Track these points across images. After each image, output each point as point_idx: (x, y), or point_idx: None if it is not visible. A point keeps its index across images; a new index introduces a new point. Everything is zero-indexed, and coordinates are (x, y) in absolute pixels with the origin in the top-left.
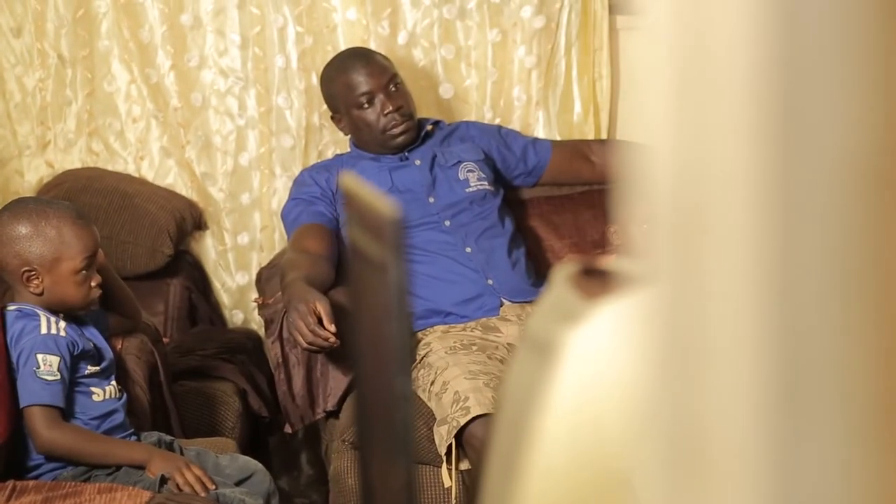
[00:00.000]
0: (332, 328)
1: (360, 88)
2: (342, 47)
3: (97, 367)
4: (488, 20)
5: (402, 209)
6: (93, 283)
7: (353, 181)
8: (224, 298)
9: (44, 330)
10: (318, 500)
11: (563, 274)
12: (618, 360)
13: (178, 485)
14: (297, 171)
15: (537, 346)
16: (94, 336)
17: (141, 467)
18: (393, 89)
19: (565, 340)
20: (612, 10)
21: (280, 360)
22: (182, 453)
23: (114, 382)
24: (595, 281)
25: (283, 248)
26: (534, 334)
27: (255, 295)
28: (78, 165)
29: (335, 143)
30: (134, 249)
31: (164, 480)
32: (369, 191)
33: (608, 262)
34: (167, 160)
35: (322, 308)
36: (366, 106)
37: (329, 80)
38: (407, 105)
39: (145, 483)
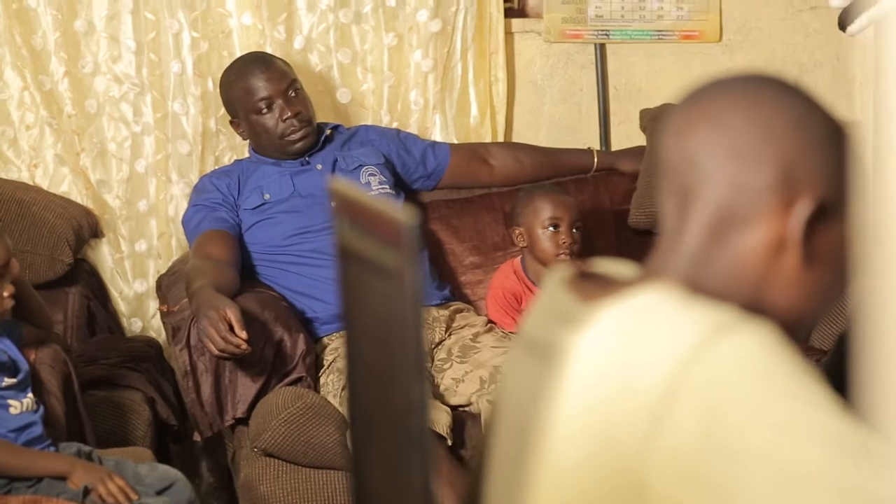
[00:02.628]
0: (244, 335)
1: (259, 94)
2: (238, 53)
3: (13, 380)
4: (384, 24)
5: (306, 214)
6: (5, 294)
7: (347, 187)
8: (122, 307)
9: None
10: None
11: (556, 278)
12: (625, 361)
13: (100, 496)
14: (194, 177)
15: (538, 350)
16: (8, 348)
17: (63, 478)
18: (292, 95)
19: (570, 343)
20: (507, 13)
21: (188, 367)
22: (101, 464)
23: (30, 394)
24: (590, 284)
25: (181, 255)
26: (532, 338)
27: (153, 303)
28: None
29: (232, 148)
30: (32, 259)
31: (87, 491)
32: (374, 197)
33: (601, 265)
34: (62, 168)
35: (233, 315)
36: (264, 111)
37: (228, 84)
38: (306, 111)
39: (68, 494)
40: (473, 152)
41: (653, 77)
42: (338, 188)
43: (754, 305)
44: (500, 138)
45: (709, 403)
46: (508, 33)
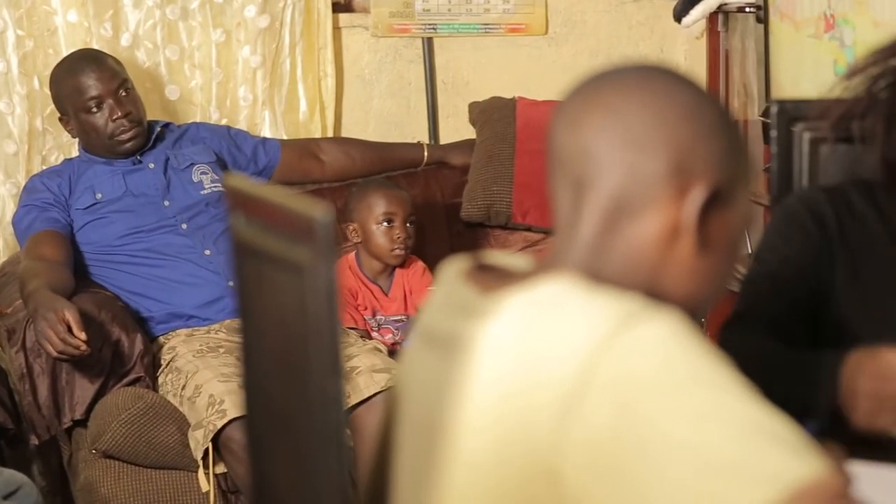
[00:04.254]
0: (83, 336)
1: (89, 93)
2: (64, 50)
3: None
4: (211, 20)
5: (139, 213)
6: None
7: (246, 182)
8: None
9: None
10: None
11: (453, 270)
12: (534, 351)
13: None
14: (21, 177)
15: (440, 343)
16: None
17: None
18: (123, 94)
19: (475, 334)
20: (335, 8)
21: (24, 370)
22: None
23: None
24: (489, 276)
25: (10, 257)
26: (432, 331)
27: None
28: None
29: (59, 147)
30: None
31: None
32: (281, 192)
33: (496, 257)
34: None
35: (71, 316)
36: (94, 110)
37: (58, 81)
38: (136, 111)
39: None
40: (304, 148)
41: (480, 70)
42: (233, 184)
43: (651, 292)
44: (330, 133)
45: (622, 395)
46: (336, 28)
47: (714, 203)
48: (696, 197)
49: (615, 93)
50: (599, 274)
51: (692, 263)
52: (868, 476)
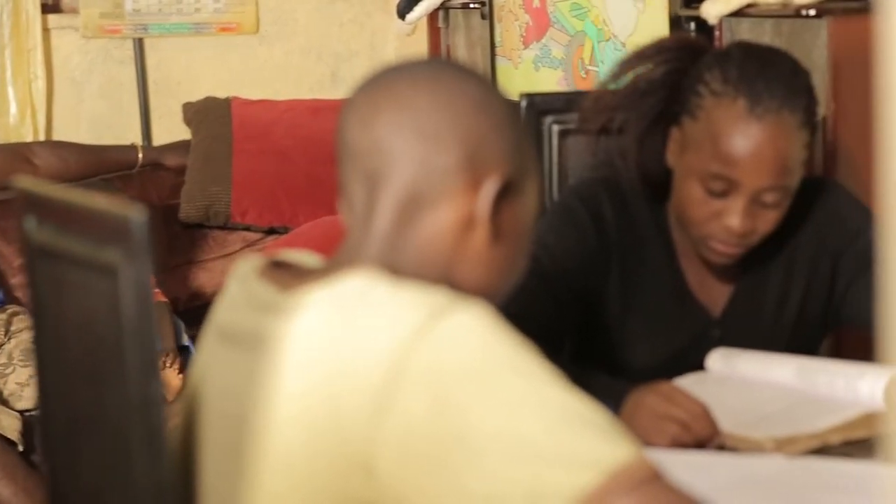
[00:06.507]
0: None
1: None
2: None
3: None
4: None
5: None
6: None
7: (40, 185)
8: None
9: None
10: None
11: (245, 269)
12: (343, 345)
13: None
14: None
15: (239, 340)
16: None
17: None
18: None
19: (279, 330)
20: (44, 9)
21: None
22: None
23: None
24: (284, 273)
25: None
26: (230, 328)
27: None
28: None
29: None
30: None
31: None
32: (84, 194)
33: (287, 255)
34: None
35: None
36: None
37: None
38: None
39: None
40: (16, 153)
41: (192, 70)
42: (25, 187)
43: (447, 283)
44: (42, 137)
45: (436, 387)
46: (46, 30)
47: (505, 194)
48: (489, 188)
49: (406, 87)
50: (396, 267)
51: (486, 254)
52: (667, 460)
